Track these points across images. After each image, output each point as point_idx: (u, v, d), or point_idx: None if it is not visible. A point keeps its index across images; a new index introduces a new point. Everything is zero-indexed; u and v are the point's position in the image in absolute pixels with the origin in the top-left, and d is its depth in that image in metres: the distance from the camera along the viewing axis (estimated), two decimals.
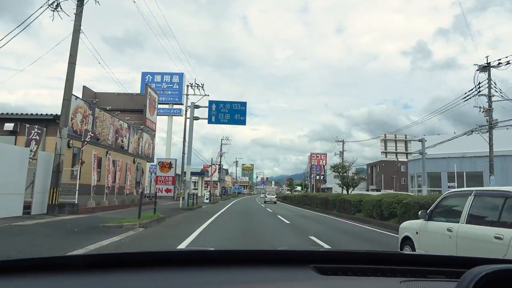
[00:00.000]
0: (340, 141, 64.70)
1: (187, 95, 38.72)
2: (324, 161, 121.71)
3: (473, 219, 5.20)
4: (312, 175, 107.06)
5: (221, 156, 73.77)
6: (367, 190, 73.13)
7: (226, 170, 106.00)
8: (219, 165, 73.84)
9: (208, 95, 37.47)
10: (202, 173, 69.04)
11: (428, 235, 6.13)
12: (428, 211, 6.37)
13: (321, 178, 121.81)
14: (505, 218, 4.74)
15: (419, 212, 6.63)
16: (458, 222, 5.39)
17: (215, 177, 71.60)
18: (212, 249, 1.77)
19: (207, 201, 40.86)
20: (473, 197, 5.30)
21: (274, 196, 52.69)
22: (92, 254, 2.58)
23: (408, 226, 7.01)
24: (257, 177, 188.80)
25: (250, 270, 1.48)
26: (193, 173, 51.04)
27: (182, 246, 8.52)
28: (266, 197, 52.56)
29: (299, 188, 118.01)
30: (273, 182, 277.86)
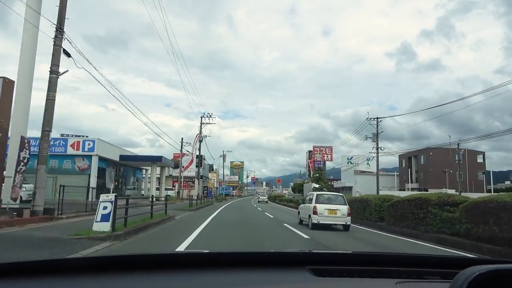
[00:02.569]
0: (372, 119, 43.58)
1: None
2: (329, 155, 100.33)
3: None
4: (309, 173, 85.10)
5: (200, 142, 50.42)
6: (403, 189, 51.57)
7: (211, 166, 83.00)
8: (198, 156, 50.85)
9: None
10: (156, 159, 34.28)
11: (301, 209, 17.28)
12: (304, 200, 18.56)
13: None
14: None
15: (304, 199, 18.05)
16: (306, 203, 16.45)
17: (190, 171, 48.58)
18: (207, 251, 1.81)
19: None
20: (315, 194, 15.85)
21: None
22: (87, 257, 2.71)
23: (299, 206, 18.94)
24: (247, 176, 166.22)
25: (246, 272, 1.49)
26: (132, 158, 28.32)
27: None
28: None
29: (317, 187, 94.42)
30: (264, 183, 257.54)
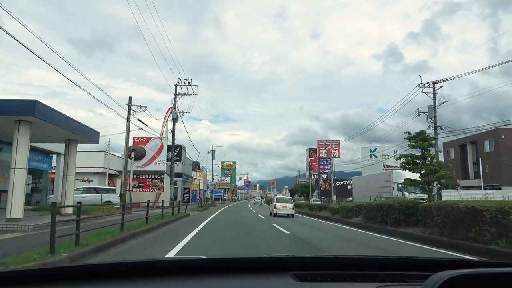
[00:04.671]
0: (427, 85, 28.65)
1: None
2: (336, 151, 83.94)
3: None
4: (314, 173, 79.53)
5: (174, 120, 33.41)
6: (455, 187, 34.71)
7: (196, 164, 65.47)
8: (174, 142, 33.77)
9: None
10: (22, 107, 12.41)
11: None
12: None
13: (327, 176, 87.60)
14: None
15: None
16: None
17: (159, 163, 31.30)
18: (191, 257, 1.75)
19: None
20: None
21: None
22: (77, 265, 2.47)
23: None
24: (240, 178, 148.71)
25: (227, 279, 1.46)
26: None
27: None
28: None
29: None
30: (258, 186, 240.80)
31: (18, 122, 11.53)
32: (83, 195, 22.39)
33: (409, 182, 13.83)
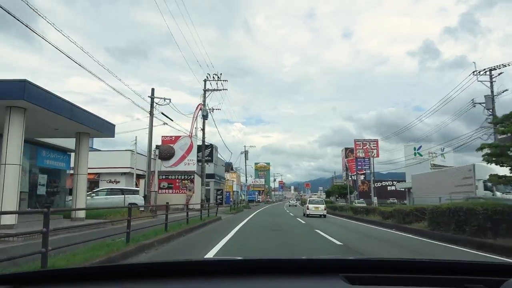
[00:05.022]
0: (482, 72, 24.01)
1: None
2: (374, 151, 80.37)
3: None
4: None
5: (204, 117, 31.57)
6: None
7: (229, 164, 63.65)
8: (205, 142, 31.90)
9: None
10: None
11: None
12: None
13: (365, 177, 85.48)
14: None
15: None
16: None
17: (189, 163, 29.28)
18: (239, 258, 1.73)
19: None
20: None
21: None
22: (113, 265, 2.44)
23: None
24: (274, 180, 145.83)
25: (278, 280, 1.44)
26: None
27: None
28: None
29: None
30: (292, 188, 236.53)
31: (9, 109, 9.52)
32: (106, 196, 20.65)
33: (497, 179, 10.65)
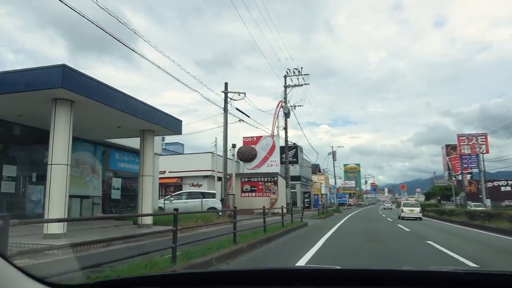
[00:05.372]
0: None
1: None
2: (483, 146, 70.35)
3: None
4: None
5: (286, 116, 29.80)
6: None
7: (316, 166, 60.82)
8: (289, 143, 30.21)
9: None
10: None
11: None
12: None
13: (472, 177, 74.44)
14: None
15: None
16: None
17: (271, 164, 27.47)
18: (337, 267, 1.65)
19: None
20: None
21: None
22: (197, 272, 2.36)
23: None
24: (366, 182, 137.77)
25: None
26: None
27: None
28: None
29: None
30: (386, 190, 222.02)
31: (54, 102, 8.33)
32: (185, 200, 19.60)
33: None
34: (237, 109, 17.89)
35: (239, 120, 18.72)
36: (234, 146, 18.47)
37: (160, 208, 18.43)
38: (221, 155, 30.16)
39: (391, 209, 61.49)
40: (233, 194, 17.76)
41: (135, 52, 11.98)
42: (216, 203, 18.05)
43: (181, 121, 12.95)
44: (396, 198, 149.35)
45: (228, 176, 19.43)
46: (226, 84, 17.93)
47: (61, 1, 8.25)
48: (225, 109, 17.63)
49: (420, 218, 25.32)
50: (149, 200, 11.74)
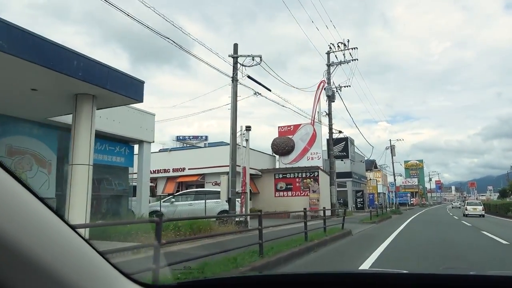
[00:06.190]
0: None
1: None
2: None
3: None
4: None
5: (329, 99, 25.01)
6: None
7: (371, 162, 54.73)
8: (331, 128, 25.22)
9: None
10: None
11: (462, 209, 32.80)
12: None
13: None
14: None
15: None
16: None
17: (312, 157, 22.41)
18: (405, 271, 1.55)
19: None
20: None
21: None
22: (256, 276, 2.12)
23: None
24: (430, 179, 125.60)
25: None
26: None
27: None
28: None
29: None
30: (453, 188, 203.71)
31: None
32: (190, 202, 15.40)
33: None
34: (248, 76, 13.18)
35: (255, 94, 14.02)
36: (248, 128, 13.81)
37: (154, 212, 14.42)
38: (250, 147, 25.59)
39: (459, 207, 57.41)
40: (245, 193, 13.26)
41: (192, 54, 8.32)
42: (225, 205, 13.59)
43: (142, 82, 8.59)
44: (465, 197, 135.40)
45: (241, 170, 14.83)
46: (235, 45, 13.32)
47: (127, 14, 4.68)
48: (234, 79, 13.06)
49: (483, 215, 28.46)
50: (82, 202, 7.46)
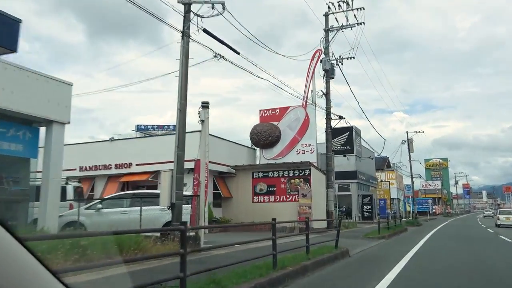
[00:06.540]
0: None
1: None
2: None
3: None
4: None
5: (326, 74, 23.85)
6: None
7: (383, 159, 53.67)
8: (329, 112, 23.50)
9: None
10: None
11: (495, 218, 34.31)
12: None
13: None
14: None
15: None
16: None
17: (303, 151, 20.81)
18: None
19: None
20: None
21: None
22: None
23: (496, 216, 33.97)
24: (456, 183, 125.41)
25: None
26: None
27: None
28: None
29: None
30: (484, 193, 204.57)
31: None
32: (125, 209, 13.73)
33: None
34: (204, 30, 11.32)
35: (215, 56, 12.17)
36: (205, 105, 12.06)
37: (69, 224, 12.67)
38: (223, 138, 23.98)
39: (492, 217, 56.33)
40: (198, 196, 11.58)
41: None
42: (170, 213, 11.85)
43: (18, 21, 6.78)
44: (499, 204, 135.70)
45: (194, 162, 13.12)
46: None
47: None
48: (185, 34, 11.23)
49: None
50: None
